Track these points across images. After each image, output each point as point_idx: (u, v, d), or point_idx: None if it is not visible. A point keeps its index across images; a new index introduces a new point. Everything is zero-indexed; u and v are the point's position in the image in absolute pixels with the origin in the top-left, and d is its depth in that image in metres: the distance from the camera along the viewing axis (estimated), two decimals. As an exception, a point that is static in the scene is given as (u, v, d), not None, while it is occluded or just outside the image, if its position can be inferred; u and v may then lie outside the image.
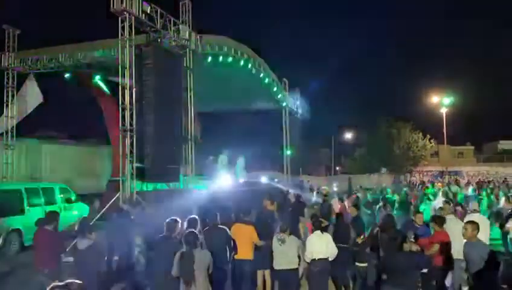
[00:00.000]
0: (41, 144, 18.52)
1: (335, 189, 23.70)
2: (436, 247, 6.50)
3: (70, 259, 6.37)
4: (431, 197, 13.88)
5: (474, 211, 8.27)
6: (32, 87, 15.52)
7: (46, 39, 15.99)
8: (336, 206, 11.97)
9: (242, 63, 15.67)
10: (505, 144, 51.00)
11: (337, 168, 51.90)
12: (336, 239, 7.28)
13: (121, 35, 11.26)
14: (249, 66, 16.19)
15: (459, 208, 9.44)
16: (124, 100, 11.21)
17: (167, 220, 6.06)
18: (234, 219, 7.91)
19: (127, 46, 11.22)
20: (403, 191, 16.19)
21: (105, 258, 7.86)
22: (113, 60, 13.14)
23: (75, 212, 13.80)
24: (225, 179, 17.10)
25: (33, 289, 6.22)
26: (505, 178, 30.72)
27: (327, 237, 6.94)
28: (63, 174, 17.77)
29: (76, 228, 12.97)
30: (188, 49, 13.29)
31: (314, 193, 17.47)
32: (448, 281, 7.20)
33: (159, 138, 11.54)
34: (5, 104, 15.40)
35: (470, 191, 17.52)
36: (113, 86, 14.95)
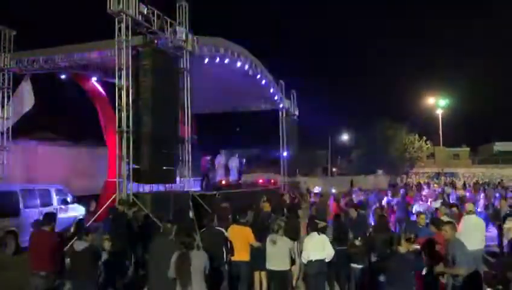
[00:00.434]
0: (37, 145, 18.44)
1: (333, 190, 23.73)
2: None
3: (67, 260, 6.35)
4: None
5: (470, 212, 8.31)
6: (28, 88, 15.46)
7: (42, 40, 15.91)
8: (332, 207, 12.00)
9: (239, 64, 15.69)
10: (500, 146, 51.31)
11: (334, 169, 52.01)
12: (334, 240, 7.32)
13: (118, 36, 11.25)
14: (246, 67, 16.22)
15: (454, 210, 9.48)
16: (121, 101, 11.19)
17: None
18: (231, 220, 7.92)
19: (124, 47, 11.20)
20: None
21: (102, 259, 7.83)
22: (109, 61, 13.13)
23: (71, 214, 13.77)
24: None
25: None
26: (501, 179, 30.84)
27: (324, 238, 6.95)
28: (59, 176, 17.70)
29: (72, 230, 13.04)
30: (184, 50, 13.29)
31: (312, 193, 17.54)
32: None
33: (155, 139, 11.52)
34: (0, 105, 15.33)
35: (466, 193, 17.62)
36: (110, 87, 14.93)
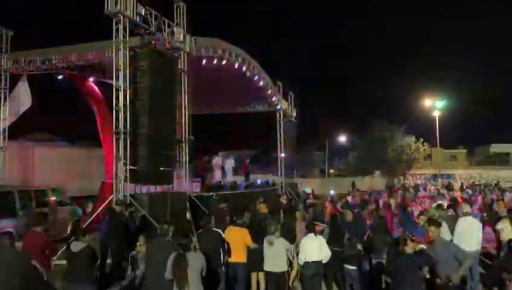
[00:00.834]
0: (34, 146, 18.39)
1: (332, 192, 23.79)
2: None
3: (63, 262, 6.34)
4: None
5: (466, 213, 8.34)
6: (24, 89, 15.43)
7: (39, 41, 15.86)
8: (329, 208, 12.02)
9: (236, 65, 15.70)
10: (497, 147, 51.44)
11: (331, 171, 52.12)
12: (330, 241, 7.33)
13: (115, 37, 11.22)
14: (244, 68, 16.22)
15: (450, 211, 9.51)
16: (118, 102, 11.18)
17: None
18: (229, 222, 7.93)
19: (121, 48, 11.18)
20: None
21: (99, 261, 7.82)
22: (107, 62, 13.11)
23: (68, 215, 13.73)
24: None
25: None
26: (497, 181, 30.96)
27: (320, 240, 6.97)
28: (55, 176, 17.66)
29: (69, 231, 13.00)
30: (182, 51, 13.29)
31: (311, 195, 17.60)
32: None
33: (152, 140, 11.51)
34: (-3, 106, 15.29)
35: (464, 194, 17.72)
36: (107, 88, 14.90)
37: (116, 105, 11.21)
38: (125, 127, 11.12)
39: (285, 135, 22.83)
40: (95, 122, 16.84)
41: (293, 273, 7.43)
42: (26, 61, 14.58)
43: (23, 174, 17.10)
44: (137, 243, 7.14)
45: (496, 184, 27.43)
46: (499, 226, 8.87)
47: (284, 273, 6.94)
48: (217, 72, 15.52)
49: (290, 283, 7.52)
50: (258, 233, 7.34)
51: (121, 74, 11.18)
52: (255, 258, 7.07)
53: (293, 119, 24.31)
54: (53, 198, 13.28)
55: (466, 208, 8.65)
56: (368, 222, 9.89)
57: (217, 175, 19.15)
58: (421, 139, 40.60)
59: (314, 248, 6.81)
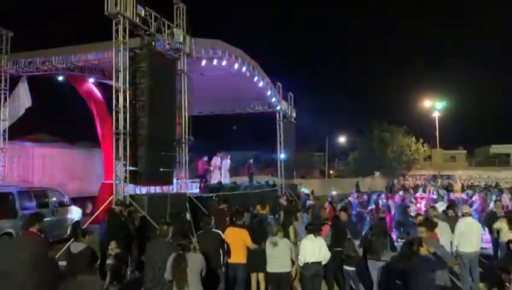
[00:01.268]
0: (34, 146, 18.40)
1: (334, 193, 23.80)
2: None
3: (63, 263, 6.33)
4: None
5: (466, 214, 8.34)
6: (24, 90, 15.44)
7: (39, 41, 15.88)
8: (329, 210, 12.00)
9: (236, 66, 15.71)
10: (496, 148, 51.45)
11: (331, 171, 52.11)
12: (332, 242, 7.34)
13: (115, 38, 11.23)
14: (243, 69, 16.23)
15: (450, 212, 9.52)
16: (118, 103, 11.19)
17: None
18: (229, 222, 7.93)
19: (121, 49, 11.19)
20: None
21: (98, 261, 7.81)
22: (107, 63, 13.11)
23: (67, 216, 13.74)
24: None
25: None
26: (497, 182, 30.98)
27: (320, 241, 6.97)
28: (55, 177, 17.66)
29: (69, 232, 13.01)
30: (182, 52, 13.30)
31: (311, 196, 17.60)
32: None
33: (152, 141, 11.52)
34: (-3, 107, 15.30)
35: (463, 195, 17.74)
36: (106, 89, 14.93)
37: (116, 106, 11.22)
38: (125, 128, 11.13)
39: (285, 135, 22.83)
40: (94, 123, 16.86)
41: (293, 274, 7.43)
42: (26, 62, 14.59)
43: (23, 175, 17.09)
44: (109, 247, 7.07)
45: (495, 185, 27.47)
46: (495, 225, 8.90)
47: (288, 273, 6.93)
48: (217, 73, 15.54)
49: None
50: (258, 234, 7.34)
51: (121, 74, 11.19)
52: (255, 258, 7.06)
53: (292, 120, 24.32)
54: (53, 199, 13.29)
55: (466, 208, 8.65)
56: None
57: (216, 176, 19.14)
58: (421, 140, 40.62)
59: (314, 249, 6.81)
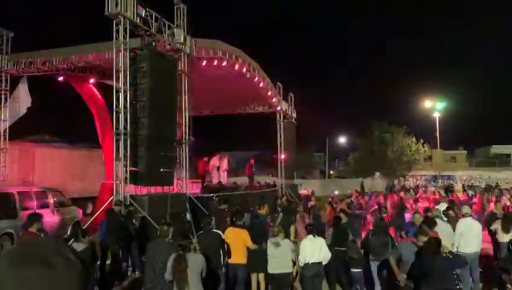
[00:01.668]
0: (34, 147, 18.40)
1: (336, 193, 23.79)
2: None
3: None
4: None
5: (466, 214, 8.34)
6: (25, 90, 15.45)
7: (40, 42, 15.91)
8: (329, 210, 12.02)
9: (236, 66, 15.72)
10: (497, 149, 51.38)
11: (331, 172, 52.09)
12: (332, 241, 7.34)
13: (116, 38, 11.25)
14: (244, 69, 16.24)
15: (451, 212, 9.51)
16: (118, 103, 11.19)
17: None
18: (229, 223, 7.93)
19: (122, 49, 11.20)
20: None
21: (99, 261, 7.83)
22: (107, 64, 13.12)
23: (67, 216, 13.73)
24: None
25: None
26: (497, 183, 30.91)
27: (320, 241, 6.96)
28: (55, 178, 17.66)
29: (69, 232, 12.98)
30: (182, 53, 13.31)
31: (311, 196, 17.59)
32: None
33: (153, 142, 11.52)
34: (-3, 107, 15.31)
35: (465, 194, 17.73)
36: (107, 90, 14.92)
37: (116, 106, 11.23)
38: (125, 128, 11.13)
39: (285, 136, 22.83)
40: (94, 123, 16.85)
41: (293, 274, 7.43)
42: (27, 63, 14.60)
43: (23, 175, 17.09)
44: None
45: (495, 185, 27.40)
46: (493, 226, 8.89)
47: (289, 274, 6.93)
48: (217, 73, 15.54)
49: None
50: (258, 234, 7.34)
51: (121, 75, 11.19)
52: (255, 259, 7.06)
53: (293, 120, 24.32)
54: (53, 199, 13.29)
55: (466, 209, 8.64)
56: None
57: (215, 176, 19.17)
58: (421, 140, 40.59)
59: (314, 249, 6.81)
